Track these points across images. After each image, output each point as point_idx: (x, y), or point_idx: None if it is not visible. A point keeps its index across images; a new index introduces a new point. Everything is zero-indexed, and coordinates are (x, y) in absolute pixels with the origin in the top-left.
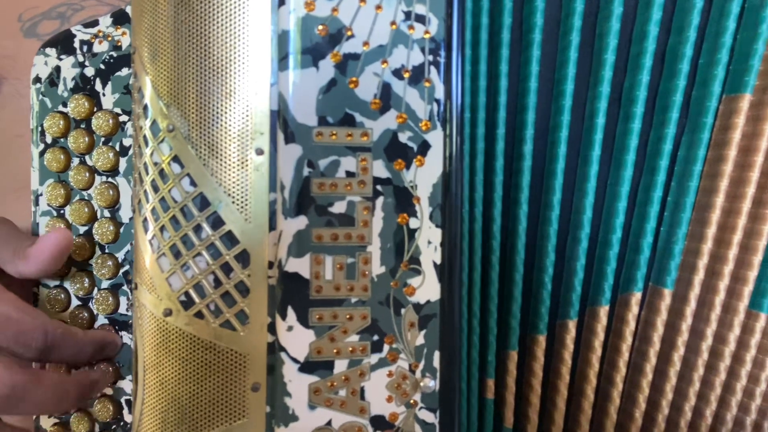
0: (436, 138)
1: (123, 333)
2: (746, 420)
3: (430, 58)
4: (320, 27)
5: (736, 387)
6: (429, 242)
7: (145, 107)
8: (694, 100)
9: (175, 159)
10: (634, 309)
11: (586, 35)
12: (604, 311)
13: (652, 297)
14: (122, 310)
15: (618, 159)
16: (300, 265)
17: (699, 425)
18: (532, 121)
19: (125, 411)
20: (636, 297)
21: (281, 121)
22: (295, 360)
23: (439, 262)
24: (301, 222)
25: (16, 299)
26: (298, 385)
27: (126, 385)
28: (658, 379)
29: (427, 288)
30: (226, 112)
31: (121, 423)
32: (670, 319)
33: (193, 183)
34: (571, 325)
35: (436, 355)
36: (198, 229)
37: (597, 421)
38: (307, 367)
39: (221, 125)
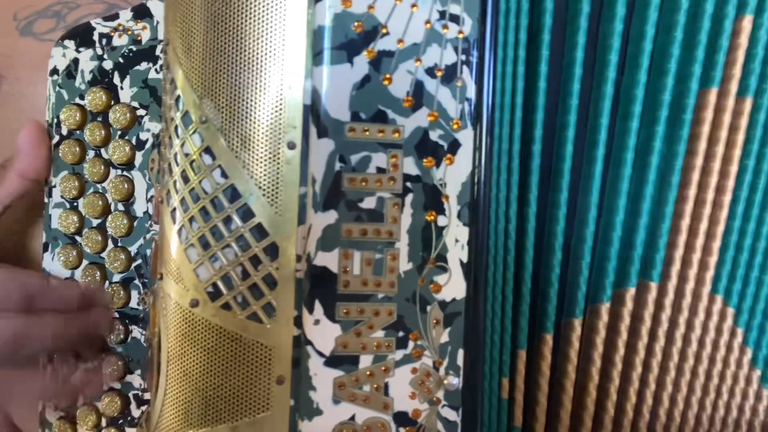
0: (466, 137)
1: (134, 327)
2: (706, 400)
3: (463, 57)
4: (356, 23)
5: (699, 369)
6: (456, 240)
7: (177, 98)
8: (673, 97)
9: (207, 150)
10: (629, 304)
11: (592, 36)
12: (605, 308)
13: (640, 291)
14: (133, 304)
15: (617, 157)
16: (328, 260)
17: (673, 412)
18: (541, 121)
19: (133, 405)
20: (630, 292)
21: (314, 115)
22: (320, 354)
23: (465, 260)
24: (330, 216)
25: None
26: (323, 379)
27: (134, 379)
28: (644, 372)
29: (453, 286)
30: (259, 105)
31: (129, 417)
32: (655, 311)
33: (224, 174)
34: (577, 324)
35: (460, 353)
36: (228, 220)
37: (597, 417)
38: (332, 361)
39: (254, 118)
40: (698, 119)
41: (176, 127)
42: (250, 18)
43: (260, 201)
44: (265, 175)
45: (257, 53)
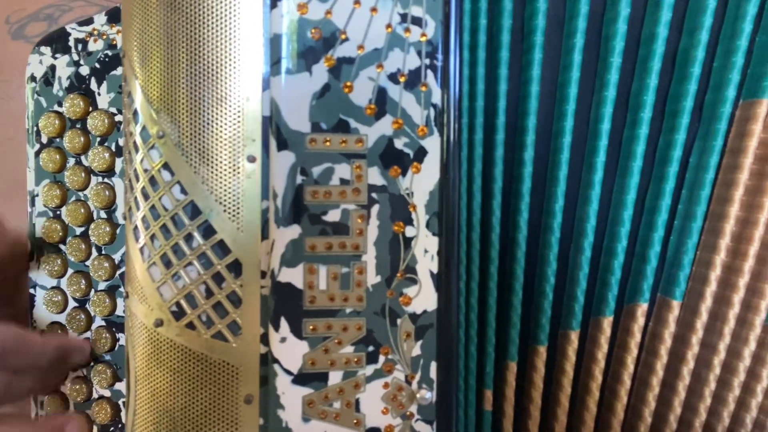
0: (432, 144)
1: (120, 335)
2: None
3: (427, 61)
4: (313, 30)
5: (751, 403)
6: (425, 251)
7: (135, 112)
8: (707, 105)
9: (166, 166)
10: (640, 320)
11: (590, 37)
12: (608, 322)
13: (659, 308)
14: (119, 311)
15: (624, 166)
16: (293, 275)
17: None
18: (533, 126)
19: (123, 413)
20: (642, 308)
21: (274, 127)
22: (288, 372)
23: (435, 271)
24: (294, 231)
25: None
26: (291, 397)
27: (123, 387)
28: (666, 393)
29: (423, 297)
30: (217, 119)
31: (119, 425)
32: (679, 331)
33: (183, 191)
34: (574, 336)
35: (433, 365)
36: (189, 238)
37: None
38: (300, 378)
39: (212, 132)
40: (743, 132)
41: (135, 143)
42: (205, 27)
43: (221, 217)
44: (225, 190)
45: (213, 64)
